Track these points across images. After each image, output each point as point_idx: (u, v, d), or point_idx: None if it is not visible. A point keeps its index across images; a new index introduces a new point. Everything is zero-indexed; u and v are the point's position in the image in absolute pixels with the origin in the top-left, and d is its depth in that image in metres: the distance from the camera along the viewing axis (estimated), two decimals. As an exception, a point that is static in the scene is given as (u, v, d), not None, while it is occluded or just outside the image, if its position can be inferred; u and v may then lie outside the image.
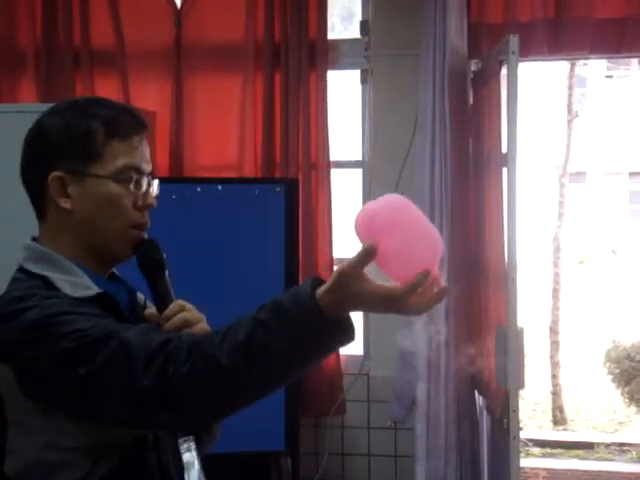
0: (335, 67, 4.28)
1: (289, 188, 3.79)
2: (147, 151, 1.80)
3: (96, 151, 1.73)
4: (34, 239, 1.80)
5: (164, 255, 1.80)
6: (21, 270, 1.76)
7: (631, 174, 18.64)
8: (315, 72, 4.18)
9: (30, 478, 1.68)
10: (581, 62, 10.58)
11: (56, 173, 1.73)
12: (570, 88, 10.02)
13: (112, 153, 1.74)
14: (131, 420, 1.59)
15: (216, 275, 3.67)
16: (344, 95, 4.53)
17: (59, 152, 1.74)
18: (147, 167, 1.78)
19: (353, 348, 4.35)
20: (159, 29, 4.35)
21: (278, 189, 3.74)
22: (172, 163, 4.30)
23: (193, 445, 1.76)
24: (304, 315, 1.48)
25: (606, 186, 18.54)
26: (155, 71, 4.37)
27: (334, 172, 4.20)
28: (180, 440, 1.77)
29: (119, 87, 4.35)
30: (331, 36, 4.28)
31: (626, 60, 14.11)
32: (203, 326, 1.71)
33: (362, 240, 1.51)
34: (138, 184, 1.76)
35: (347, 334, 1.52)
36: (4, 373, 1.64)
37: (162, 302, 1.76)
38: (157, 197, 1.81)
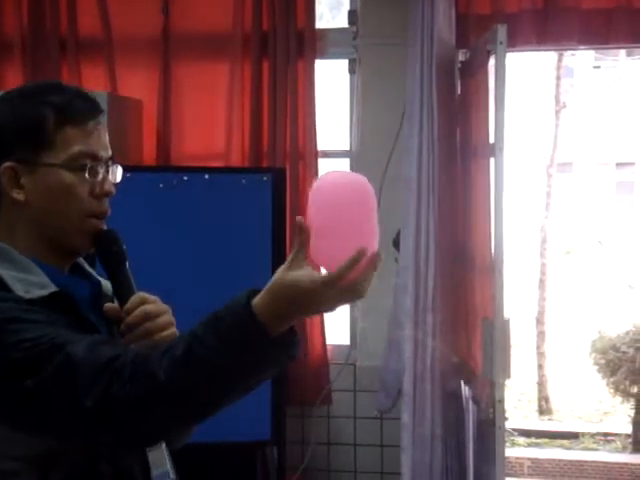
0: (323, 56, 4.27)
1: (276, 177, 3.78)
2: (105, 136, 1.71)
3: (48, 139, 1.65)
4: None
5: (124, 246, 1.72)
6: None
7: (618, 165, 18.70)
8: (303, 61, 4.17)
9: None
10: (569, 53, 10.60)
11: (7, 164, 1.66)
12: (558, 79, 10.05)
13: (65, 140, 1.66)
14: (75, 437, 1.55)
15: (202, 264, 3.66)
16: (332, 84, 4.52)
17: (9, 141, 1.67)
18: (105, 153, 1.70)
19: (340, 338, 4.36)
20: (146, 17, 4.33)
21: (265, 178, 3.74)
22: (159, 152, 4.29)
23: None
24: (238, 325, 1.43)
25: (593, 177, 18.58)
26: (142, 59, 4.35)
27: (321, 161, 4.19)
28: None
29: (106, 75, 4.33)
30: (319, 25, 4.27)
31: (614, 51, 14.13)
32: (167, 318, 1.65)
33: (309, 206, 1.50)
34: (93, 171, 1.67)
35: (290, 346, 1.47)
36: None
37: (123, 295, 1.69)
38: (117, 184, 1.74)
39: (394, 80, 4.10)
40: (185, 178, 3.74)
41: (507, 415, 3.47)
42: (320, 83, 4.22)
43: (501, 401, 3.37)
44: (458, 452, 3.91)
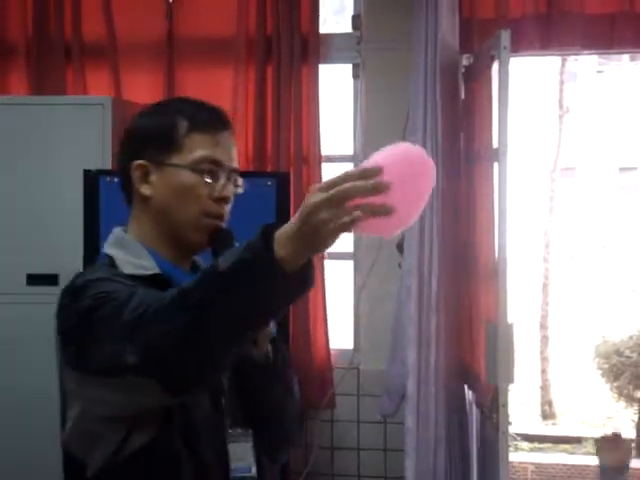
0: (327, 61, 4.28)
1: (280, 182, 3.78)
2: (231, 148, 1.87)
3: (177, 142, 1.82)
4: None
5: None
6: (102, 252, 1.87)
7: (621, 169, 18.68)
8: (307, 66, 4.18)
9: (72, 449, 1.77)
10: (572, 57, 10.60)
11: (139, 161, 1.83)
12: (561, 83, 10.05)
13: (191, 145, 1.82)
14: (110, 362, 1.59)
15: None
16: (336, 89, 4.53)
17: (145, 142, 1.84)
18: (229, 163, 1.85)
19: (343, 342, 4.36)
20: (151, 21, 4.35)
21: (269, 183, 3.73)
22: (163, 156, 4.29)
23: (249, 438, 1.82)
24: (247, 245, 1.50)
25: (596, 181, 18.57)
26: (146, 64, 4.36)
27: (325, 166, 4.20)
28: (230, 431, 1.82)
29: (110, 80, 4.34)
30: (323, 30, 4.28)
31: (617, 55, 14.12)
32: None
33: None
34: (214, 175, 1.82)
35: (302, 274, 1.49)
36: (58, 342, 1.74)
37: None
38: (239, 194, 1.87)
39: (398, 85, 4.11)
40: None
41: (510, 420, 3.47)
42: (324, 88, 4.23)
43: (505, 406, 3.37)
44: (462, 457, 3.91)
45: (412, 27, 3.92)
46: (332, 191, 1.42)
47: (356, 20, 4.29)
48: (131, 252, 1.83)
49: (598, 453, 7.51)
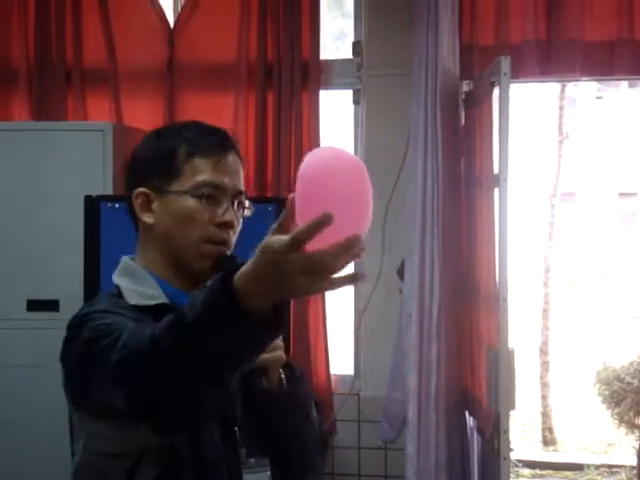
0: (327, 87, 4.30)
1: (281, 208, 3.78)
2: (236, 170, 1.84)
3: (178, 168, 1.79)
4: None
5: None
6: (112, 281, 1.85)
7: (621, 195, 18.69)
8: (307, 92, 4.20)
9: None
10: (572, 83, 10.63)
11: (140, 189, 1.81)
12: (561, 109, 10.06)
13: (192, 170, 1.79)
14: (102, 403, 1.55)
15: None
16: (336, 115, 4.54)
17: (146, 170, 1.82)
18: (232, 185, 1.82)
19: (344, 368, 4.35)
20: (152, 48, 4.37)
21: (270, 208, 3.74)
22: (163, 182, 4.29)
23: (266, 467, 1.79)
24: (210, 289, 1.39)
25: (596, 207, 18.58)
26: (147, 90, 4.38)
27: (326, 192, 4.19)
28: (246, 460, 1.78)
29: (111, 105, 4.36)
30: (323, 56, 4.30)
31: (616, 82, 14.16)
32: (278, 343, 1.76)
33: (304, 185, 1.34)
34: (214, 200, 1.79)
35: (272, 322, 1.38)
36: (62, 376, 1.71)
37: None
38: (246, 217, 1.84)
39: (398, 111, 4.12)
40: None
41: (512, 446, 3.45)
42: (324, 114, 4.24)
43: (506, 432, 3.36)
44: (463, 483, 3.89)
45: (412, 53, 3.93)
46: (305, 263, 1.30)
47: (356, 46, 4.31)
48: (138, 281, 1.81)
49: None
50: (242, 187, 1.85)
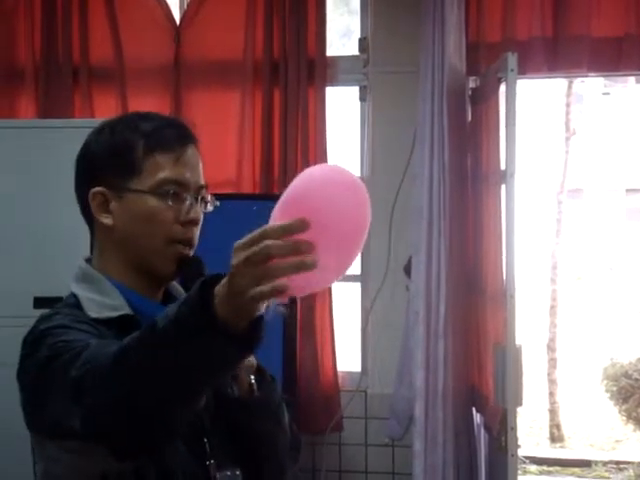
0: (334, 84, 4.29)
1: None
2: (197, 165, 1.73)
3: (136, 165, 1.68)
4: (89, 257, 1.78)
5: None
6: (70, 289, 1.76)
7: (628, 191, 18.66)
8: (314, 88, 4.19)
9: None
10: (579, 79, 10.61)
11: (97, 189, 1.70)
12: (568, 105, 10.04)
13: (152, 167, 1.68)
14: (59, 425, 1.48)
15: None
16: (343, 111, 4.53)
17: (100, 168, 1.71)
18: (195, 181, 1.72)
19: (351, 365, 4.35)
20: (158, 45, 4.36)
21: (276, 205, 3.74)
22: (170, 179, 4.30)
23: (238, 477, 1.70)
24: (184, 300, 1.33)
25: (603, 203, 18.56)
26: (154, 87, 4.38)
27: (332, 189, 4.19)
28: (215, 472, 1.68)
29: (118, 103, 4.36)
30: (330, 53, 4.29)
31: (623, 77, 14.14)
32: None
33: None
34: (177, 198, 1.69)
35: (245, 336, 1.29)
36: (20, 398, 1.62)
37: None
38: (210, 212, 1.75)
39: (405, 107, 4.12)
40: (196, 205, 3.73)
41: (519, 443, 3.45)
42: (331, 110, 4.24)
43: (514, 429, 3.35)
44: (470, 480, 3.89)
45: (419, 49, 3.93)
46: (249, 252, 1.24)
47: (363, 43, 4.30)
48: (96, 289, 1.70)
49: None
50: (203, 181, 1.74)
